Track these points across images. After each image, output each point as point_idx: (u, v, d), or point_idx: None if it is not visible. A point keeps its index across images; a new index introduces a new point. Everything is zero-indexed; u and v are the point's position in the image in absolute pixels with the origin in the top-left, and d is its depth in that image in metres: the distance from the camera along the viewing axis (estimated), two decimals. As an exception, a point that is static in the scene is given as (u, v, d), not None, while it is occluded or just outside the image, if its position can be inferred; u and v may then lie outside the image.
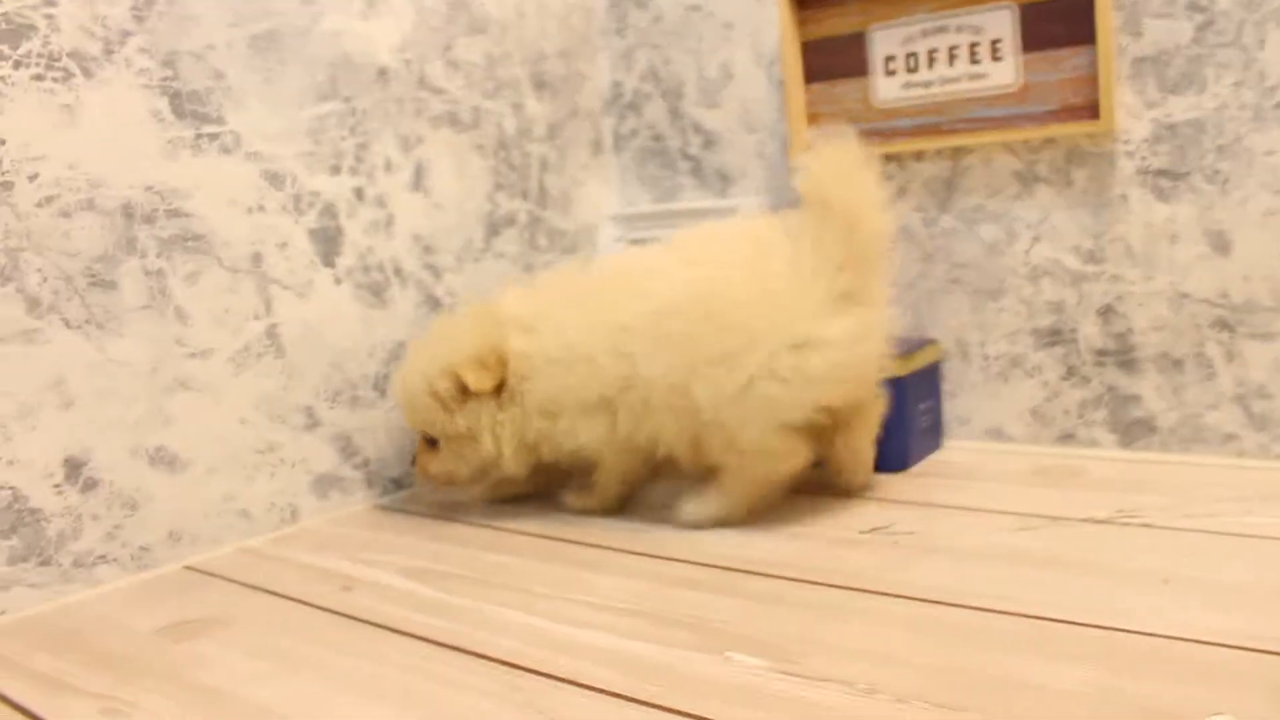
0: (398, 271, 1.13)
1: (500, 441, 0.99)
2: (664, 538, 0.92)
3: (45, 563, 0.88)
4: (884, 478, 1.04)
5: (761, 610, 0.75)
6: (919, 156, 1.12)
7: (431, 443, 1.02)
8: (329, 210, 1.06)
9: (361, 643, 0.74)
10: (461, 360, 0.97)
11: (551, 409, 0.97)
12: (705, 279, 0.89)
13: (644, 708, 0.61)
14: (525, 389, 0.97)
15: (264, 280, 1.01)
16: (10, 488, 0.86)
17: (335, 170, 1.07)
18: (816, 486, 1.01)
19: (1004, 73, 1.05)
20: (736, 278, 0.89)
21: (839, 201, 0.88)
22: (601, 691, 0.64)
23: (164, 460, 0.95)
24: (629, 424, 0.94)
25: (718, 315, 0.87)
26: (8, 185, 0.85)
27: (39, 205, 0.87)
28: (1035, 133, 1.04)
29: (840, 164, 0.89)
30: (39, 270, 0.87)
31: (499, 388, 0.97)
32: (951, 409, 1.14)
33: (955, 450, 1.12)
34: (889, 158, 1.14)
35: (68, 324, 0.88)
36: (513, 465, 1.00)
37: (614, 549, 0.90)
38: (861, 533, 0.89)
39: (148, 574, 0.94)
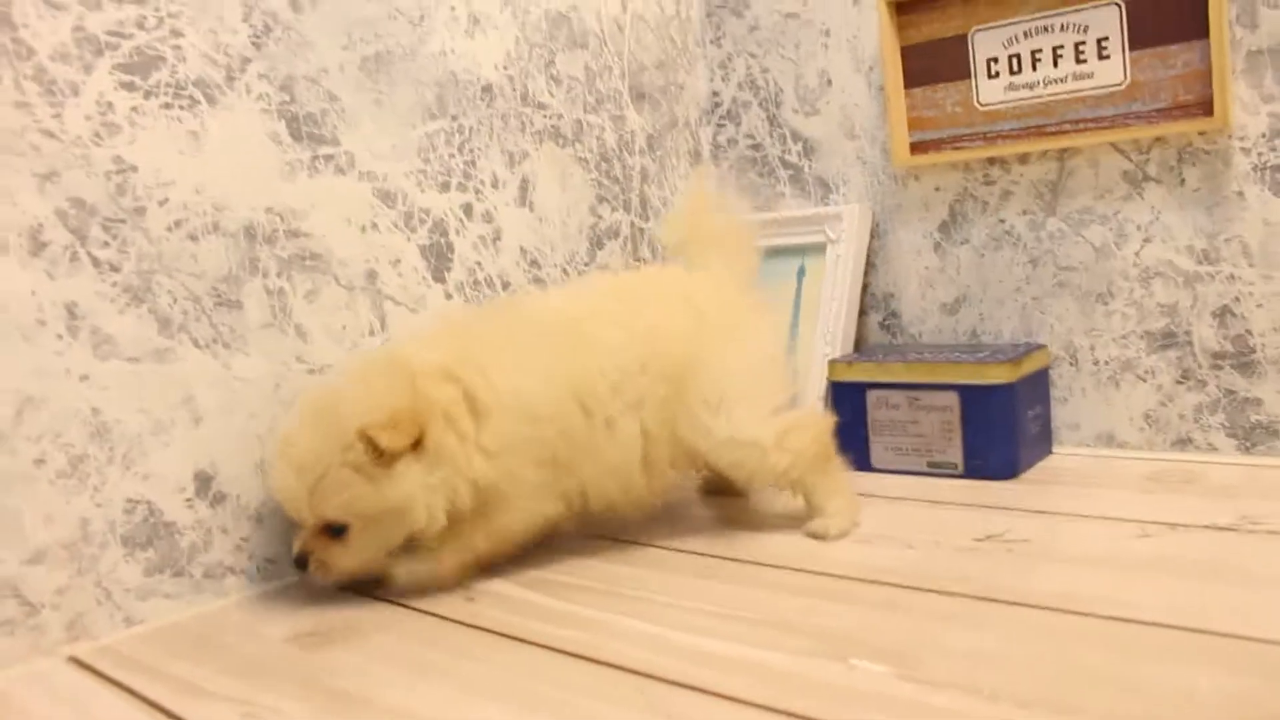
0: (505, 285, 1.15)
1: (433, 509, 0.85)
2: (779, 547, 0.92)
3: (179, 574, 0.91)
4: (995, 485, 1.03)
5: (881, 617, 0.74)
6: (1024, 159, 1.11)
7: (335, 532, 0.87)
8: (439, 226, 1.09)
9: (488, 651, 0.76)
10: (370, 423, 0.82)
11: (499, 454, 0.87)
12: (659, 325, 0.94)
13: (771, 713, 0.61)
14: (455, 440, 0.86)
15: (378, 296, 1.04)
16: (146, 501, 0.89)
17: (444, 187, 1.09)
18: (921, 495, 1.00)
19: (1111, 71, 1.04)
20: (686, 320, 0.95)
21: (709, 234, 1.01)
22: (729, 699, 0.64)
23: (286, 473, 0.98)
24: (564, 477, 0.91)
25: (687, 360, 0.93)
26: (140, 211, 0.88)
27: (169, 230, 0.90)
28: (1145, 132, 1.02)
29: (694, 205, 1.04)
30: (169, 292, 0.90)
31: (416, 445, 0.84)
32: (1061, 415, 1.12)
33: (1066, 456, 1.10)
34: (992, 161, 1.13)
35: (196, 343, 0.92)
36: (435, 530, 0.87)
37: (729, 559, 0.91)
38: (976, 540, 0.88)
39: (271, 585, 0.97)
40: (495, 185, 1.14)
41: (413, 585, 0.89)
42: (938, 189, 1.17)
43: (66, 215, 0.84)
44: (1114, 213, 1.06)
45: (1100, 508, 0.92)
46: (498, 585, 0.90)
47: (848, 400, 1.12)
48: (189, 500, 0.92)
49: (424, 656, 0.76)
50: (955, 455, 1.06)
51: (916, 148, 1.16)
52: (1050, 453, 1.12)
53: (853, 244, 1.19)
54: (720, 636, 0.74)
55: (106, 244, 0.87)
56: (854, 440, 1.12)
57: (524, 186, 1.17)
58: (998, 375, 1.03)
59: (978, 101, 1.12)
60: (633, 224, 1.28)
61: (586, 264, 1.23)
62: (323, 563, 0.88)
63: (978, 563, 0.83)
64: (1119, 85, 1.03)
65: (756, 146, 1.32)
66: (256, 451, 0.96)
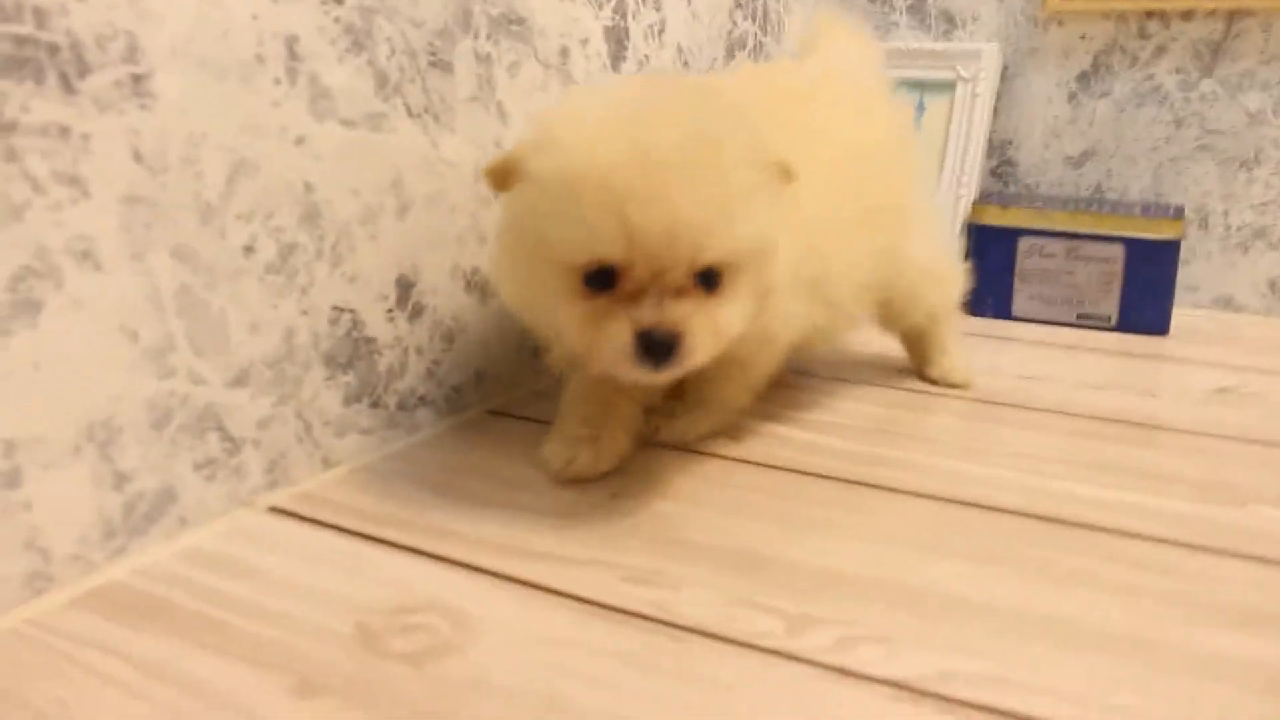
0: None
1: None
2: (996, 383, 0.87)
3: (375, 404, 0.73)
4: (1154, 340, 1.03)
5: (1190, 459, 0.73)
6: (1187, 16, 1.08)
7: (711, 285, 0.59)
8: (620, 6, 0.91)
9: (852, 498, 0.66)
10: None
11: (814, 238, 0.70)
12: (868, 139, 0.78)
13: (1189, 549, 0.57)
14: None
15: (566, 79, 0.86)
16: (351, 311, 0.70)
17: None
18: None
19: (1307, -67, 1.03)
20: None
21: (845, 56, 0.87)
22: (1141, 537, 0.59)
23: (477, 286, 0.80)
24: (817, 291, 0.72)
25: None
26: (365, -76, 0.66)
27: (391, -45, 0.69)
28: (1331, -1, 1.02)
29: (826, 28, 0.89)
30: (388, 40, 0.69)
31: None
32: (1183, 276, 1.13)
33: (1186, 317, 1.11)
34: (1151, 14, 1.09)
35: (410, 110, 0.72)
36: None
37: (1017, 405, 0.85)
38: (1211, 392, 0.88)
39: (456, 419, 0.80)
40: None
41: (682, 439, 0.75)
42: (1083, 37, 1.13)
43: (294, -89, 0.62)
44: (1278, 80, 1.06)
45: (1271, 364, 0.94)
46: (769, 427, 0.79)
47: (995, 245, 1.07)
48: (390, 312, 0.73)
49: (757, 502, 0.65)
50: (1110, 308, 1.05)
51: (1069, -11, 1.11)
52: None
53: (989, 84, 1.13)
54: (1066, 479, 0.69)
55: (331, -39, 0.64)
56: (995, 287, 1.08)
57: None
58: (1166, 230, 1.02)
59: (1149, -53, 1.08)
60: (756, 35, 1.15)
61: (721, 72, 1.09)
62: (711, 331, 0.58)
63: (1234, 413, 0.82)
64: (1312, -52, 1.03)
65: (872, -32, 1.21)
66: (454, 254, 0.77)
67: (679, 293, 0.57)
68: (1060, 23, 1.13)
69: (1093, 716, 0.44)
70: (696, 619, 0.51)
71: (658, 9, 0.97)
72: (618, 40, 0.91)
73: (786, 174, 0.62)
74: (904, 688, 0.46)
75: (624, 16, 0.92)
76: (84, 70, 0.52)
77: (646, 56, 0.96)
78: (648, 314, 0.56)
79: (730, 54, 1.10)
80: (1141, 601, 0.53)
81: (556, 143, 0.57)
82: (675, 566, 0.57)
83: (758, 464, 0.71)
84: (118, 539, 0.57)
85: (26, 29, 0.50)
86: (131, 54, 0.54)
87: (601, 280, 0.57)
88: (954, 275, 0.89)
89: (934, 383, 0.88)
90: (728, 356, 0.64)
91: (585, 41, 0.87)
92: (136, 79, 0.55)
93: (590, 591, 0.54)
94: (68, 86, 0.52)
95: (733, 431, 0.76)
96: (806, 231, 0.67)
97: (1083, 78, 1.13)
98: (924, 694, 0.45)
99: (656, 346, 0.56)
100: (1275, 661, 0.48)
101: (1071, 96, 1.14)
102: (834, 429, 0.78)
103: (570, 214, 0.55)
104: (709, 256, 0.57)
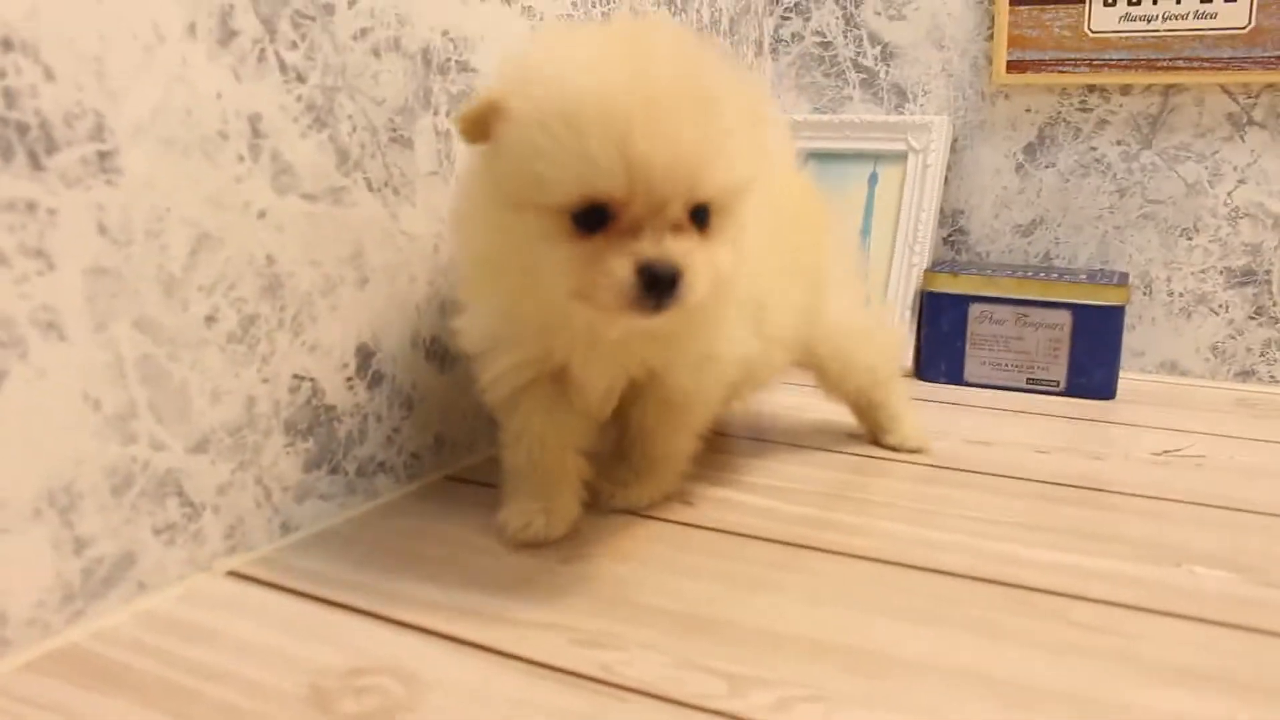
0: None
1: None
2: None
3: (334, 470, 0.74)
4: (1101, 404, 1.06)
5: (1135, 521, 0.75)
6: (1126, 90, 1.13)
7: (701, 222, 0.58)
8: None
9: (794, 560, 0.68)
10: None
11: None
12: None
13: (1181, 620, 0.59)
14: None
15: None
16: (311, 379, 0.71)
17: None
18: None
19: (1236, 14, 1.07)
20: None
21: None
22: (1099, 601, 0.61)
23: (436, 355, 0.82)
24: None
25: None
26: (329, 9, 0.69)
27: (354, 38, 0.71)
28: (1260, 77, 1.07)
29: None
30: (350, 117, 0.72)
31: None
32: (1128, 341, 1.17)
33: (1132, 381, 1.15)
34: (1093, 89, 1.14)
35: (370, 185, 0.74)
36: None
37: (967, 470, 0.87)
38: (1155, 455, 0.90)
39: (415, 485, 0.81)
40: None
41: (636, 505, 0.76)
42: (1029, 110, 1.17)
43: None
44: (1212, 152, 1.11)
45: (1226, 428, 0.97)
46: (720, 492, 0.80)
47: (946, 312, 1.10)
48: (350, 380, 0.74)
49: (706, 565, 0.66)
50: (1059, 373, 1.08)
51: (1013, 66, 1.15)
52: (1114, 377, 1.17)
53: (940, 155, 1.17)
54: (1011, 541, 0.71)
55: (295, 44, 0.67)
56: (947, 353, 1.11)
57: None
58: (1111, 297, 1.06)
59: (1088, 28, 1.13)
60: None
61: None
62: (712, 265, 0.58)
63: (1176, 475, 0.85)
64: (1241, 29, 1.08)
65: (826, 45, 1.26)
66: (414, 323, 0.79)
67: (675, 229, 0.56)
68: (1007, 96, 1.18)
69: (1020, 771, 0.45)
70: (642, 680, 0.52)
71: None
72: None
73: (762, 120, 0.63)
74: (840, 745, 0.47)
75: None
76: (51, 148, 0.54)
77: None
78: (649, 248, 0.55)
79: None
80: (1080, 660, 0.55)
81: (548, 79, 0.55)
82: (624, 628, 0.58)
83: (707, 528, 0.73)
84: (76, 603, 0.58)
85: (-3, 110, 0.52)
86: (99, 132, 0.56)
87: (593, 220, 0.56)
88: (886, 337, 0.90)
89: (892, 449, 0.90)
90: (669, 400, 0.66)
91: (545, 117, 0.90)
92: (103, 155, 0.57)
93: (539, 654, 0.55)
94: (35, 163, 0.54)
95: (684, 495, 0.78)
96: (751, 262, 0.67)
97: (1029, 149, 1.18)
98: (859, 751, 0.47)
99: (659, 281, 0.55)
100: (1213, 716, 0.50)
101: (1019, 167, 1.18)
102: (784, 493, 0.80)
103: (567, 148, 0.54)
104: (706, 191, 0.56)
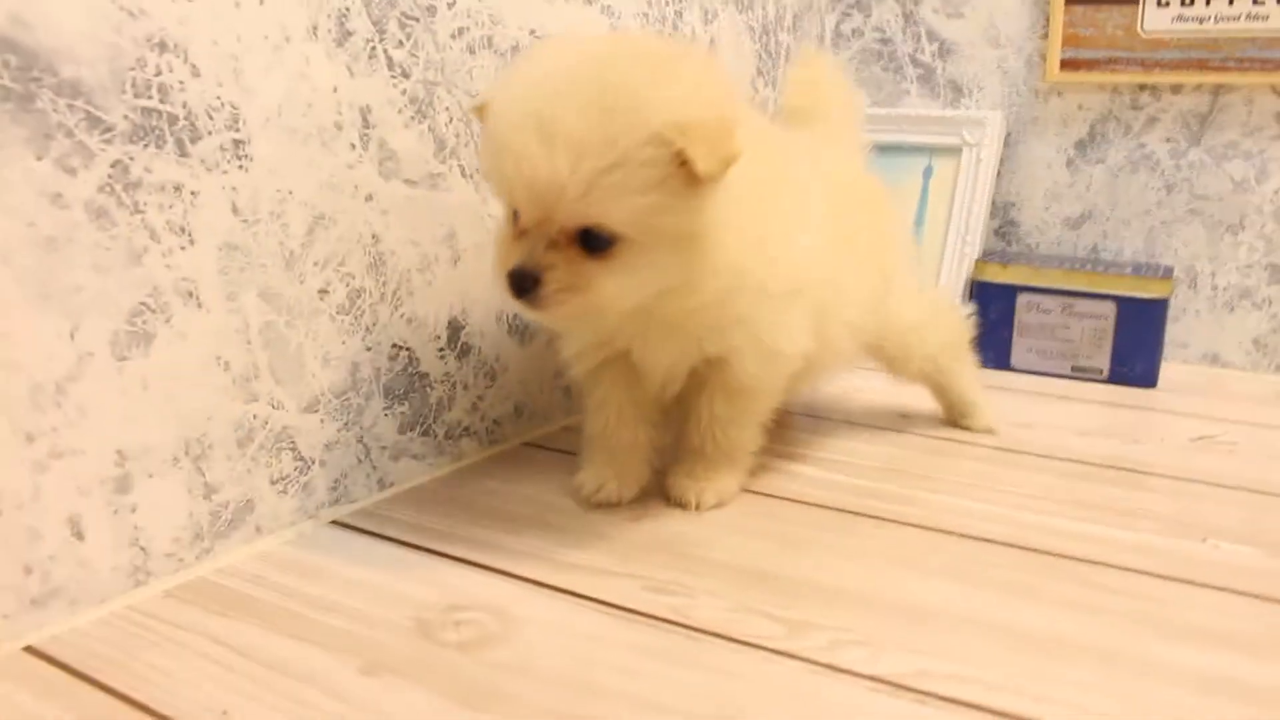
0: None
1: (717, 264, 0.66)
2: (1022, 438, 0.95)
3: (425, 433, 0.81)
4: (1142, 392, 1.10)
5: (1165, 499, 0.80)
6: (1176, 89, 1.17)
7: (594, 247, 0.61)
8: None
9: (847, 525, 0.74)
10: (687, 123, 0.59)
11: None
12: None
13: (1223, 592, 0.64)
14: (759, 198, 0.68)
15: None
16: (408, 349, 0.78)
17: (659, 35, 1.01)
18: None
19: (1288, 17, 1.11)
20: None
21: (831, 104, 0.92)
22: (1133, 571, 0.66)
23: (517, 330, 0.88)
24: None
25: None
26: (431, 10, 0.76)
27: (452, 37, 0.78)
28: (1309, 79, 1.10)
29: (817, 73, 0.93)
30: (447, 109, 0.78)
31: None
32: (1172, 333, 1.21)
33: (1175, 371, 1.18)
34: (1143, 87, 1.18)
35: (464, 171, 0.81)
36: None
37: (1012, 450, 0.92)
38: (1190, 440, 0.95)
39: (497, 449, 0.88)
40: (693, 39, 1.06)
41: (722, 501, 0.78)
42: (1080, 107, 1.21)
43: (371, 1, 0.71)
44: (1259, 150, 1.14)
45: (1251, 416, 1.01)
46: (783, 464, 0.86)
47: (995, 301, 1.15)
48: (441, 351, 0.81)
49: (766, 527, 0.73)
50: (1102, 361, 1.12)
51: (1067, 64, 1.19)
52: (1153, 367, 1.21)
53: (993, 149, 1.22)
54: (1050, 514, 0.76)
55: (401, 43, 0.74)
56: (995, 340, 1.15)
57: (711, 47, 1.10)
58: (1155, 290, 1.10)
59: (1141, 28, 1.16)
60: (774, 100, 1.24)
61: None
62: (571, 285, 0.61)
63: (1211, 460, 0.89)
64: (1293, 31, 1.11)
65: (885, 41, 1.30)
66: (497, 300, 0.86)
67: (553, 244, 0.61)
68: (1059, 94, 1.22)
69: (1048, 710, 0.51)
70: (708, 622, 0.59)
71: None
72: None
73: (693, 171, 0.59)
74: (884, 682, 0.53)
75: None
76: (195, 136, 0.61)
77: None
78: (515, 253, 0.62)
79: (752, 119, 1.19)
80: (1106, 619, 0.60)
81: (500, 90, 0.63)
82: (690, 578, 0.64)
83: (768, 495, 0.79)
84: (204, 541, 0.65)
85: (153, 103, 0.59)
86: (234, 122, 0.64)
87: (517, 220, 0.63)
88: (949, 321, 0.95)
89: (966, 430, 0.96)
90: (734, 387, 0.72)
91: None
92: (237, 144, 0.64)
93: (616, 597, 0.62)
94: (182, 150, 0.61)
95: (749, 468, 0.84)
96: (817, 254, 0.73)
97: (1080, 145, 1.22)
98: (901, 688, 0.53)
99: (519, 280, 0.61)
100: (1223, 671, 0.55)
101: (1070, 162, 1.22)
102: (843, 467, 0.86)
103: (490, 157, 0.62)
104: (576, 220, 0.60)
